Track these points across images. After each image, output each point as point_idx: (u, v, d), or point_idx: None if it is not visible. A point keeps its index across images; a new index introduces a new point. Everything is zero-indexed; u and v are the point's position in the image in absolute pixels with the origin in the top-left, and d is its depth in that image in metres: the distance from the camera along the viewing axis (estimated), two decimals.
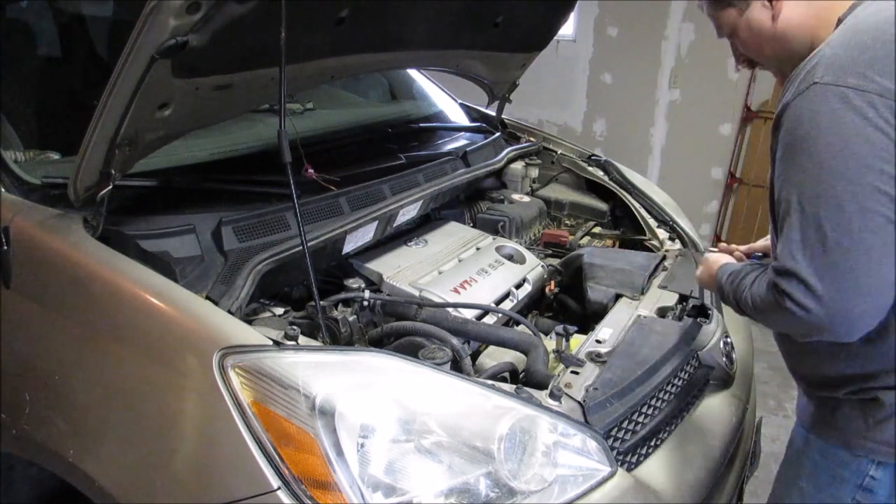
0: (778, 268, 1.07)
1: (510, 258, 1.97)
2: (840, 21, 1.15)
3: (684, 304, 1.77)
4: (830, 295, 1.01)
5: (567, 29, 5.30)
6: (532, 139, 2.72)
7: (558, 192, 2.53)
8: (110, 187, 1.32)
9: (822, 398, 1.25)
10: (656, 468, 1.33)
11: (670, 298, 1.79)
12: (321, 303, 1.40)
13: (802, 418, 1.31)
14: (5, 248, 1.39)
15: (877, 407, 1.16)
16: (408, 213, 1.91)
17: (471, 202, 2.38)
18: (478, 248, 1.99)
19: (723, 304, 1.92)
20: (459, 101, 2.89)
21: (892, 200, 0.99)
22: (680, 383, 1.50)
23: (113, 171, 1.31)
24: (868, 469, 1.19)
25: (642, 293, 1.82)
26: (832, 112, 1.02)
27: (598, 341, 1.55)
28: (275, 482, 1.07)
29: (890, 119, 0.99)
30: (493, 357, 1.62)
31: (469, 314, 1.64)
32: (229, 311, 1.26)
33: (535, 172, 2.54)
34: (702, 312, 1.76)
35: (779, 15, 1.20)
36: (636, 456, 1.32)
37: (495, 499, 1.11)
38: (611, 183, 2.47)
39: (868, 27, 1.08)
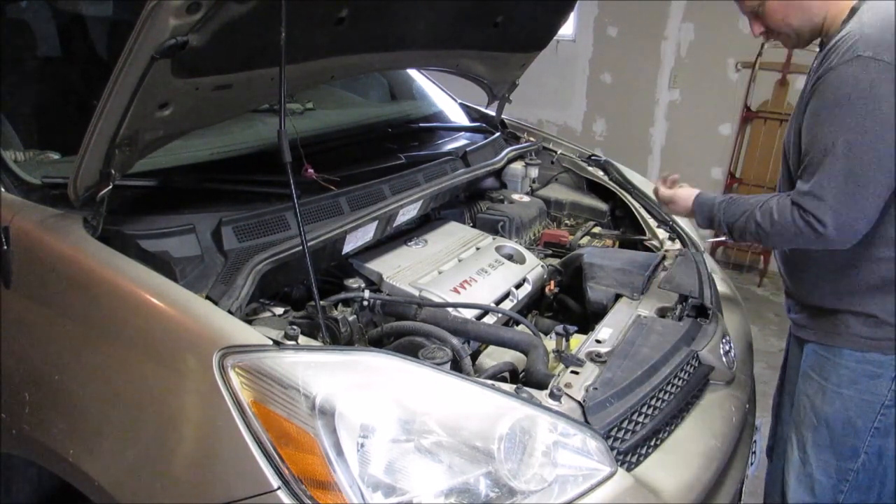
0: (805, 191, 1.42)
1: (510, 258, 1.97)
2: (854, 10, 1.46)
3: (684, 304, 1.77)
4: (843, 214, 1.38)
5: (567, 29, 5.31)
6: (532, 139, 2.72)
7: (558, 192, 2.53)
8: (110, 187, 1.32)
9: (852, 315, 1.54)
10: (656, 468, 1.32)
11: (670, 298, 1.79)
12: (321, 303, 1.40)
13: (836, 341, 1.58)
14: (5, 248, 1.39)
15: None
16: (408, 213, 1.91)
17: (471, 202, 2.38)
18: (478, 248, 1.99)
19: (721, 304, 1.94)
20: (459, 101, 2.89)
21: None
22: (680, 383, 1.50)
23: (113, 171, 1.31)
24: None
25: (642, 293, 1.82)
26: (871, 81, 1.35)
27: (598, 341, 1.55)
28: (275, 482, 1.07)
29: None
30: (493, 357, 1.62)
31: (469, 314, 1.64)
32: (229, 311, 1.26)
33: (535, 172, 2.54)
34: (702, 312, 1.76)
35: None
36: (636, 456, 1.32)
37: (495, 499, 1.11)
38: (611, 183, 2.47)
39: (892, 15, 1.39)
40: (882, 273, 1.48)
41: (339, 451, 1.07)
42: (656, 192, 1.86)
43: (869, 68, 1.34)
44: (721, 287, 2.09)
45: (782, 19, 1.55)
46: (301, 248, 1.35)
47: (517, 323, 1.73)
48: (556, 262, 2.08)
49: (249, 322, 1.31)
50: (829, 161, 1.39)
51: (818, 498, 1.62)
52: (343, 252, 1.71)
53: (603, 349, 1.49)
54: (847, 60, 1.37)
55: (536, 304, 2.00)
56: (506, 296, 1.81)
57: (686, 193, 1.76)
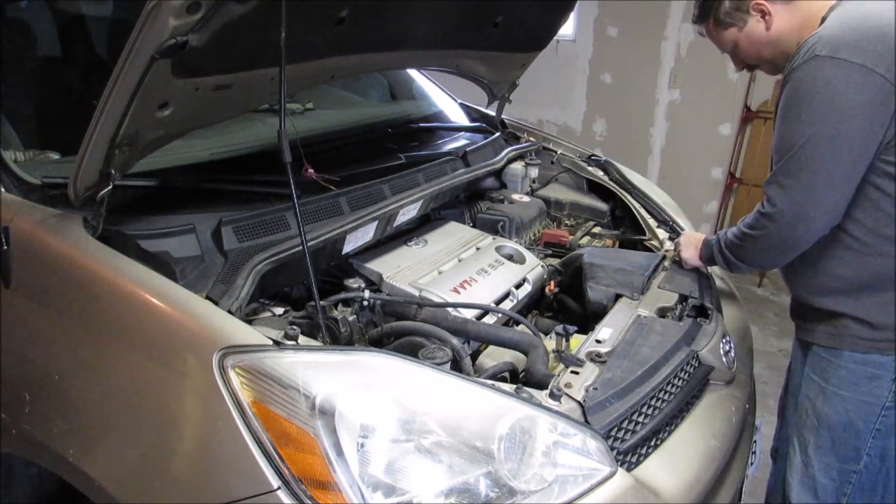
0: (768, 181, 1.50)
1: (510, 258, 1.97)
2: (824, 18, 1.49)
3: (684, 304, 1.77)
4: (797, 197, 1.44)
5: (567, 29, 5.31)
6: (532, 139, 2.72)
7: (558, 192, 2.53)
8: (110, 187, 1.32)
9: (851, 317, 1.54)
10: (656, 468, 1.33)
11: (670, 298, 1.79)
12: (321, 303, 1.40)
13: (836, 342, 1.57)
14: (5, 248, 1.39)
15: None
16: (408, 213, 1.91)
17: (471, 202, 2.38)
18: (478, 248, 1.99)
19: (721, 304, 1.94)
20: (459, 101, 2.89)
21: (860, 145, 1.39)
22: (680, 383, 1.50)
23: (113, 171, 1.31)
24: None
25: (642, 293, 1.82)
26: (826, 77, 1.39)
27: (598, 341, 1.55)
28: (275, 482, 1.08)
29: (868, 85, 1.36)
30: (493, 357, 1.62)
31: (469, 314, 1.64)
32: (229, 311, 1.26)
33: (535, 172, 2.54)
34: (702, 312, 1.76)
35: (772, 25, 1.57)
36: (636, 456, 1.32)
37: (495, 499, 1.11)
38: (611, 183, 2.47)
39: (854, 17, 1.44)
40: (879, 271, 1.49)
41: (339, 451, 1.07)
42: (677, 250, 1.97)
43: (824, 66, 1.38)
44: (721, 287, 2.09)
45: (756, 55, 1.65)
46: (301, 248, 1.35)
47: (517, 323, 1.73)
48: (556, 262, 2.08)
49: (249, 322, 1.31)
50: (790, 155, 1.44)
51: (821, 500, 1.62)
52: (343, 252, 1.71)
53: (603, 349, 1.49)
54: (805, 61, 1.41)
55: (536, 304, 2.00)
56: (506, 296, 1.81)
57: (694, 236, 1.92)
